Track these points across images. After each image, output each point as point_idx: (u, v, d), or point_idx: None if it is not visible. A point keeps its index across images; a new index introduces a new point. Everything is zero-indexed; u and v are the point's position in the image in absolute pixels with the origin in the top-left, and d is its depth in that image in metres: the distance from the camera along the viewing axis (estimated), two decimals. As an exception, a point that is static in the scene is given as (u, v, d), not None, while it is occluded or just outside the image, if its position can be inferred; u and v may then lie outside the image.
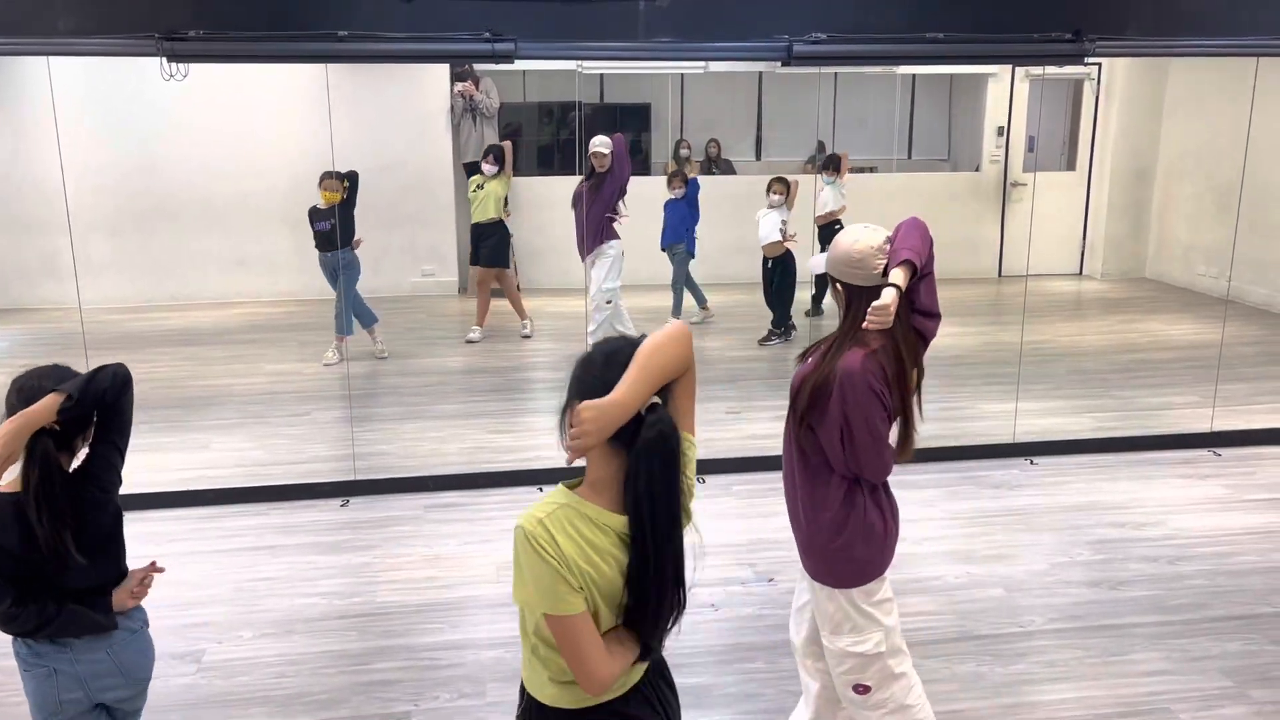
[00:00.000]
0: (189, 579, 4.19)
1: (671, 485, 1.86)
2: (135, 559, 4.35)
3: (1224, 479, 5.20)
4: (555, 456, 5.30)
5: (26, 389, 2.37)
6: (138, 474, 5.08)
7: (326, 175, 6.98)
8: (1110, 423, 5.96)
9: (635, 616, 1.87)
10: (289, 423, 6.02)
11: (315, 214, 7.14)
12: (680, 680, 3.42)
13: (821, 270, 2.67)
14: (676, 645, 3.65)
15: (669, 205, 8.14)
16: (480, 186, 8.02)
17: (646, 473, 1.81)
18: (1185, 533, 4.58)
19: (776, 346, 7.68)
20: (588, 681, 1.83)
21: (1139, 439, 5.64)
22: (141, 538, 4.57)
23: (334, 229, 7.04)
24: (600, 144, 7.11)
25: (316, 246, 7.18)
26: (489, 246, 8.00)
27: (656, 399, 1.86)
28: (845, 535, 2.57)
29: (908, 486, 5.07)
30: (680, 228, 8.05)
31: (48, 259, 8.62)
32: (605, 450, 1.85)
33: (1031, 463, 5.37)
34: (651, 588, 1.86)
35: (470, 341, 7.82)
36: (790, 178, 8.04)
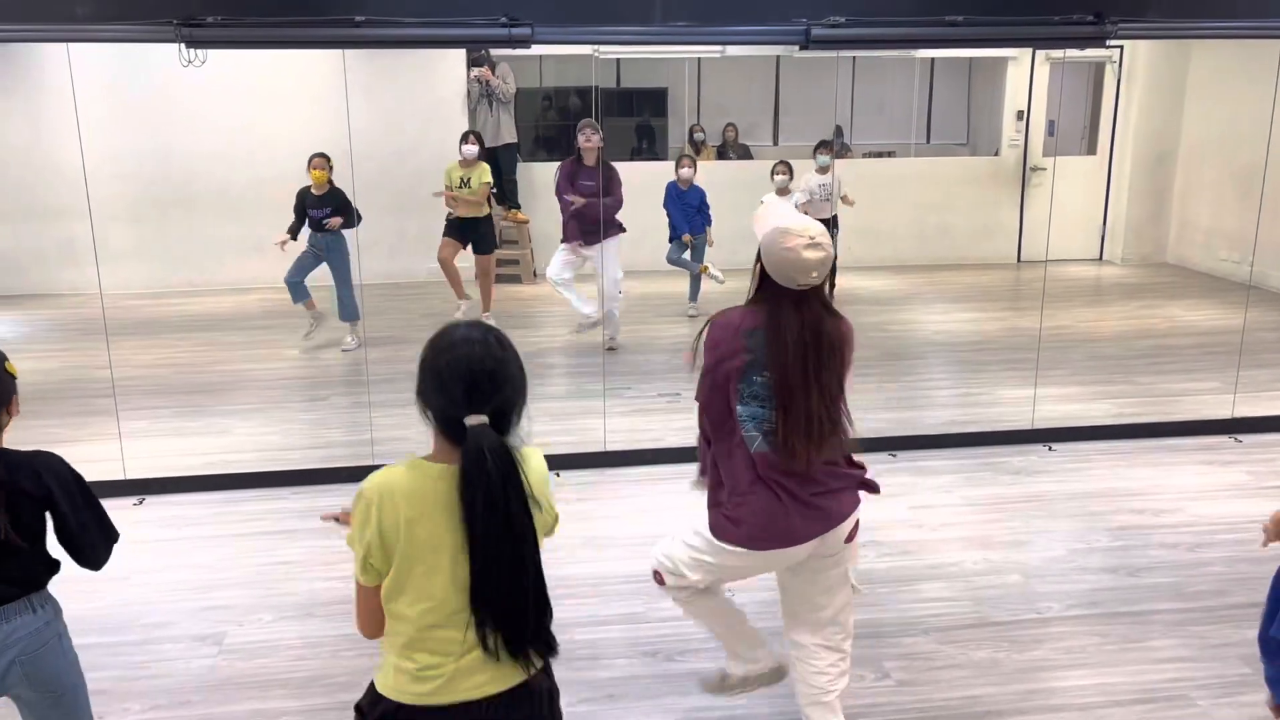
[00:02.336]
0: (209, 563, 4.23)
1: (494, 502, 1.87)
2: (155, 542, 4.41)
3: (1245, 465, 5.16)
4: (564, 440, 5.32)
5: None
6: (159, 458, 5.15)
7: (317, 155, 7.01)
8: (1130, 409, 5.92)
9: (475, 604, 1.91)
10: (307, 408, 6.06)
11: (311, 199, 7.14)
12: (697, 665, 3.44)
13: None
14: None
15: (678, 195, 8.01)
16: (466, 182, 7.58)
17: (473, 483, 1.87)
18: (1205, 519, 4.55)
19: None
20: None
21: (1159, 425, 5.60)
22: (162, 522, 4.62)
23: (328, 215, 7.07)
24: (592, 126, 7.05)
25: (310, 226, 7.17)
26: (481, 235, 7.78)
27: (484, 419, 1.90)
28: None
29: (925, 473, 5.06)
30: (699, 222, 8.01)
31: (68, 245, 8.68)
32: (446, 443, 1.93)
33: (1050, 449, 5.34)
34: (482, 588, 1.90)
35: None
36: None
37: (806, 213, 7.89)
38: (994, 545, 4.33)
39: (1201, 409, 5.85)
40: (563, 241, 7.23)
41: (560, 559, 4.24)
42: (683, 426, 5.64)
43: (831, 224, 8.20)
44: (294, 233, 7.24)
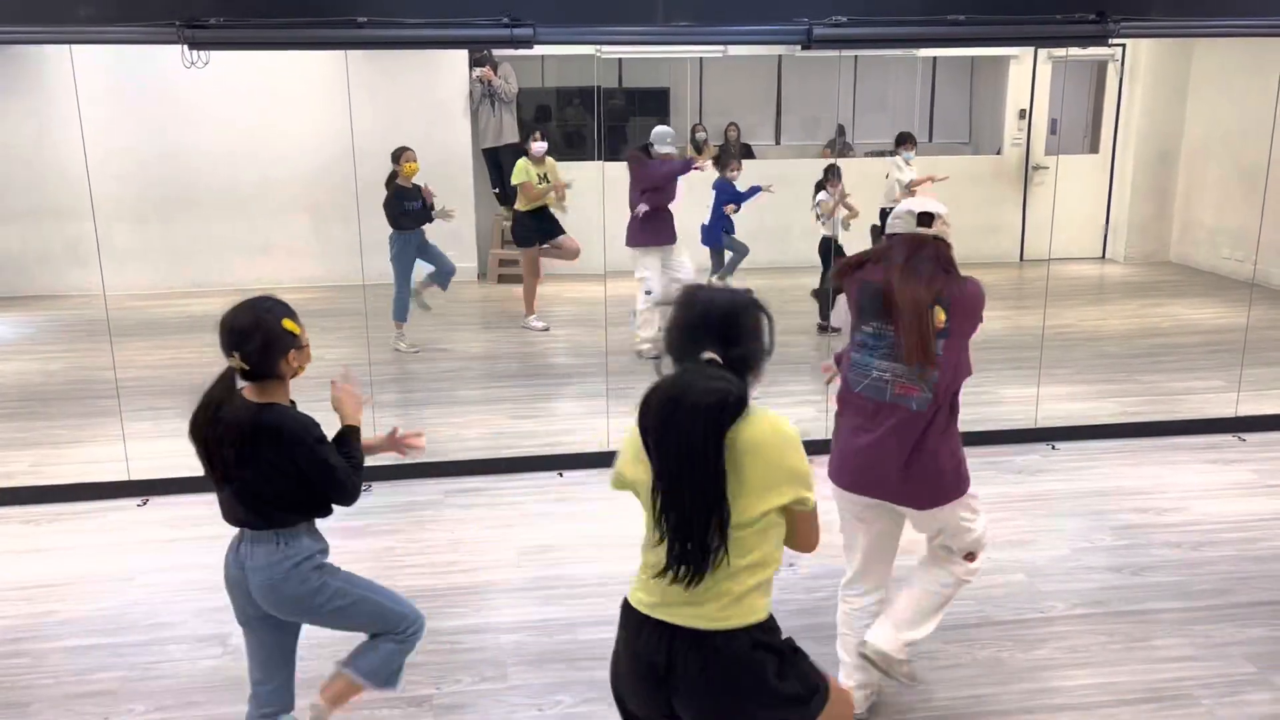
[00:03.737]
0: (214, 563, 4.20)
1: (683, 437, 1.96)
2: (159, 543, 4.41)
3: (1249, 464, 5.16)
4: (574, 442, 5.32)
5: (262, 324, 2.52)
6: (163, 459, 5.15)
7: (405, 148, 7.04)
8: (1133, 408, 5.91)
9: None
10: (311, 409, 6.04)
11: (404, 192, 7.10)
12: (701, 664, 3.44)
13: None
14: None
15: (727, 192, 7.96)
16: (544, 178, 7.75)
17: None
18: (1209, 518, 4.55)
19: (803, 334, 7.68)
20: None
21: (1162, 424, 5.60)
22: (166, 522, 4.62)
23: (423, 208, 7.11)
24: (669, 135, 7.09)
25: (404, 226, 7.12)
26: (553, 221, 7.87)
27: (716, 356, 2.01)
28: (957, 450, 2.96)
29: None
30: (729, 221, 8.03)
31: (72, 246, 8.69)
32: None
33: (1054, 448, 5.34)
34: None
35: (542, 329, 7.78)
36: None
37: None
38: (998, 544, 4.32)
39: (1205, 408, 5.84)
40: (652, 245, 7.10)
41: (564, 558, 4.24)
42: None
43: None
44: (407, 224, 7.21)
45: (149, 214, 9.06)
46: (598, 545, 4.34)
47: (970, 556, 3.06)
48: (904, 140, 8.36)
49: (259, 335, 2.49)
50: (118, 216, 8.74)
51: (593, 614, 3.79)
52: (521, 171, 7.74)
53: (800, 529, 2.12)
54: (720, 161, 8.06)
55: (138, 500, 4.81)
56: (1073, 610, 3.80)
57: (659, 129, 7.23)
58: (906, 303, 2.81)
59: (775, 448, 2.03)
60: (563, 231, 7.87)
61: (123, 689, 3.38)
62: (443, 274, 7.34)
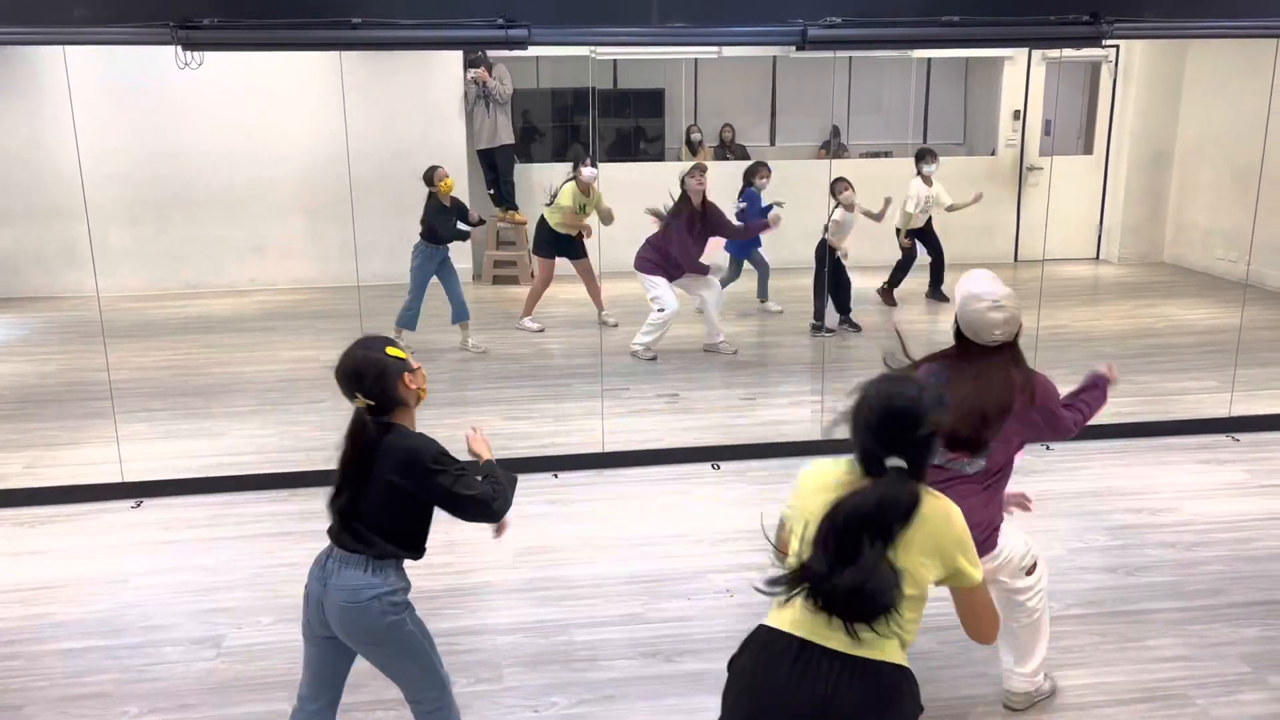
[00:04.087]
0: (209, 565, 4.23)
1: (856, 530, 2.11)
2: (153, 545, 4.40)
3: (1242, 464, 5.17)
4: (569, 443, 5.32)
5: (369, 359, 2.59)
6: (157, 461, 5.15)
7: (437, 167, 7.14)
8: (1128, 408, 5.92)
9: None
10: (306, 410, 6.05)
11: (445, 209, 7.20)
12: (696, 665, 3.45)
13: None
14: (694, 630, 3.67)
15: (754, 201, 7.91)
16: (583, 208, 7.59)
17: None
18: (1203, 518, 4.56)
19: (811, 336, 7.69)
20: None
21: (1157, 424, 5.61)
22: (160, 524, 4.61)
23: (460, 224, 7.24)
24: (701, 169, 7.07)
25: (439, 241, 7.20)
26: (578, 244, 7.77)
27: (903, 464, 2.15)
28: (996, 515, 3.08)
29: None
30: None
31: (66, 247, 8.67)
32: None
33: (1048, 448, 5.35)
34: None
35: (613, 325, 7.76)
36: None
37: (916, 222, 7.97)
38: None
39: (1199, 408, 5.86)
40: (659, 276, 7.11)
41: (559, 560, 4.24)
42: (681, 427, 5.65)
43: (929, 231, 8.28)
44: (450, 234, 7.30)
45: (143, 215, 9.05)
46: (593, 546, 4.34)
47: (1029, 571, 3.13)
48: (924, 156, 8.19)
49: (371, 370, 2.57)
50: (112, 218, 8.72)
51: (588, 615, 3.79)
52: (567, 196, 7.55)
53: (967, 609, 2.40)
54: (750, 170, 8.03)
55: (132, 502, 4.80)
56: (1068, 610, 3.81)
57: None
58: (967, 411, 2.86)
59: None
60: (585, 254, 7.75)
61: (117, 691, 3.37)
62: (456, 306, 7.36)
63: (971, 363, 2.98)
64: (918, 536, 2.15)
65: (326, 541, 2.68)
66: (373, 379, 2.56)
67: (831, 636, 2.12)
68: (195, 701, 3.33)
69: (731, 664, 2.25)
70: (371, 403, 2.57)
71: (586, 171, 7.49)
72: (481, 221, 7.39)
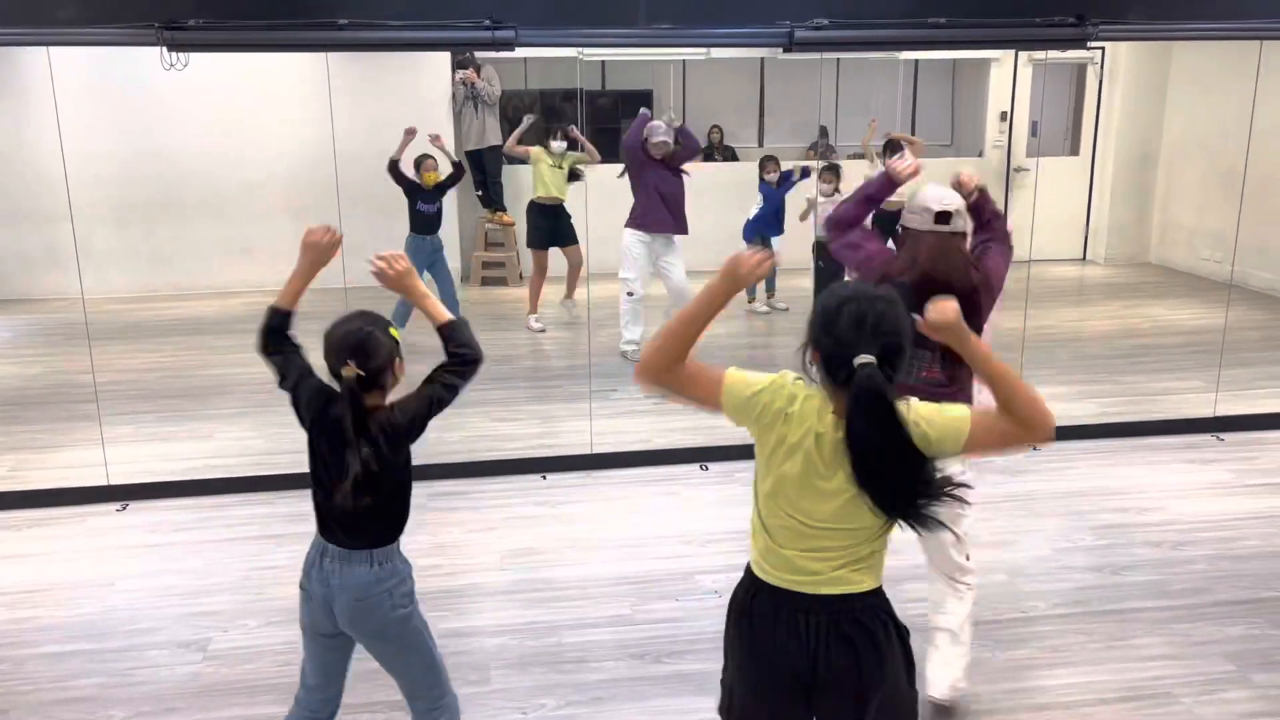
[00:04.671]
0: (195, 568, 4.21)
1: (874, 434, 1.97)
2: (139, 548, 4.38)
3: (1227, 464, 5.20)
4: (557, 444, 5.32)
5: (375, 334, 2.51)
6: (143, 464, 5.12)
7: (427, 156, 7.04)
8: (1113, 408, 5.95)
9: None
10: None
11: (422, 193, 7.07)
12: (685, 666, 3.45)
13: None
14: (683, 631, 3.67)
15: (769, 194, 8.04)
16: (558, 165, 7.74)
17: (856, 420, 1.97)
18: (1188, 518, 4.58)
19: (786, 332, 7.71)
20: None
21: (1142, 424, 5.64)
22: (146, 527, 4.59)
23: (440, 211, 7.08)
24: (665, 132, 6.85)
25: (415, 229, 7.11)
26: (567, 225, 7.81)
27: (872, 359, 1.96)
28: None
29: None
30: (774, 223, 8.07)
31: (50, 249, 8.61)
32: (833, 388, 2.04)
33: (1034, 448, 5.37)
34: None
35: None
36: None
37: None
38: (979, 544, 4.32)
39: (1184, 408, 5.89)
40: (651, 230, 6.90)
41: (547, 561, 4.24)
42: (670, 428, 5.65)
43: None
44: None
45: (128, 216, 9.00)
46: (581, 548, 4.34)
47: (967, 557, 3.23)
48: (890, 147, 8.25)
49: (379, 346, 2.50)
50: (97, 219, 8.67)
51: (576, 617, 3.79)
52: (540, 152, 7.77)
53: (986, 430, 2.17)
54: (760, 165, 8.15)
55: (117, 505, 4.77)
56: (1053, 610, 3.82)
57: (654, 123, 6.93)
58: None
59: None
60: (575, 240, 7.78)
61: (102, 695, 3.36)
62: (446, 304, 7.31)
63: (924, 258, 3.02)
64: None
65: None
66: (381, 355, 2.49)
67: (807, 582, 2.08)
68: (181, 706, 3.32)
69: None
70: (364, 374, 2.46)
71: (554, 145, 7.66)
72: (459, 170, 7.31)
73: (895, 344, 2.00)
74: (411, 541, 4.40)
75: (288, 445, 5.48)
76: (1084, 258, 10.50)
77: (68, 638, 3.70)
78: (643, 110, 7.05)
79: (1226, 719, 3.20)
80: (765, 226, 8.09)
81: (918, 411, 2.06)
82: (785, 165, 8.21)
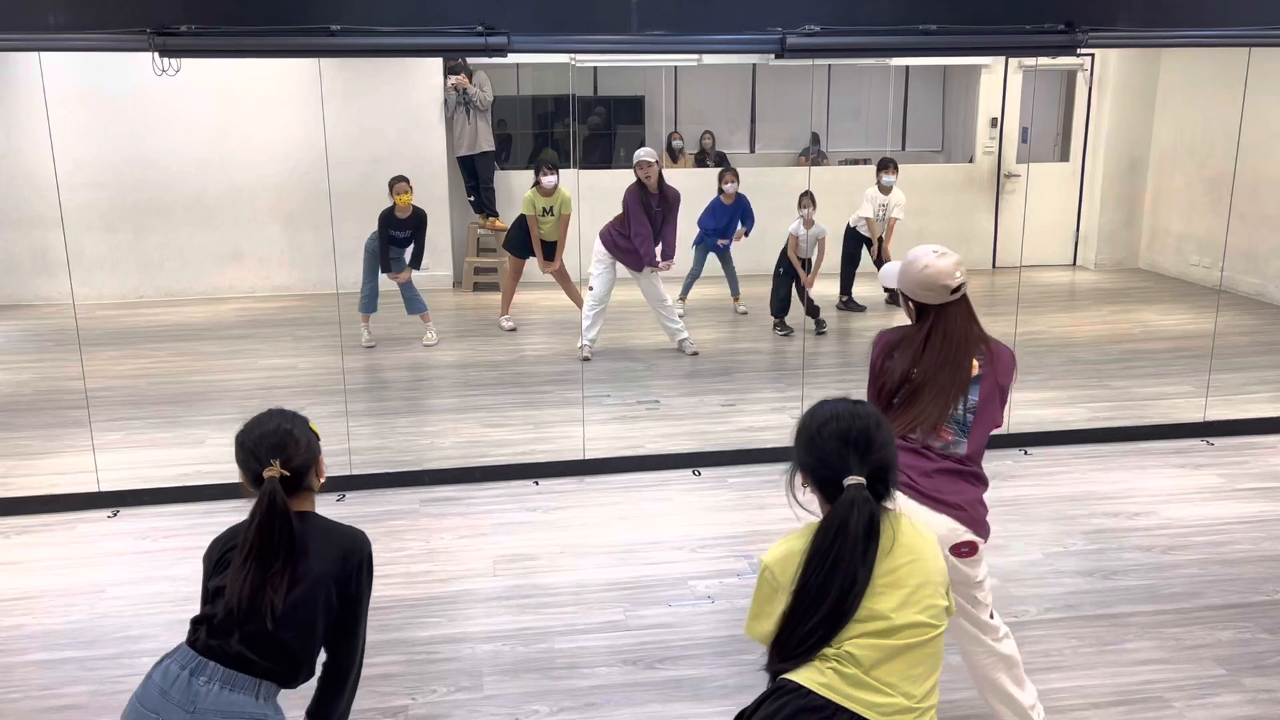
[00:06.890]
0: (186, 575, 4.19)
1: (842, 557, 1.99)
2: (130, 555, 4.37)
3: (1217, 468, 5.22)
4: (543, 449, 5.32)
5: (296, 430, 2.35)
6: (134, 470, 5.10)
7: (400, 179, 7.09)
8: (1104, 413, 5.98)
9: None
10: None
11: (395, 222, 7.16)
12: (677, 672, 3.45)
13: (892, 285, 2.97)
14: (675, 637, 3.67)
15: (718, 206, 8.14)
16: (549, 210, 7.68)
17: (831, 533, 2.01)
18: (1179, 522, 4.60)
19: (778, 339, 7.72)
20: None
21: (1132, 429, 5.66)
22: (137, 534, 4.57)
23: (411, 238, 7.20)
24: (650, 154, 7.05)
25: (392, 244, 7.22)
26: (552, 247, 7.87)
27: (861, 480, 2.02)
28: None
29: (902, 478, 5.08)
30: (730, 229, 8.16)
31: (41, 254, 8.61)
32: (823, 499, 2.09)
33: (1025, 453, 5.39)
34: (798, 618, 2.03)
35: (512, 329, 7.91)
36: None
37: (870, 229, 8.09)
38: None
39: (1174, 412, 5.91)
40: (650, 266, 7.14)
41: (539, 567, 4.23)
42: (662, 434, 5.65)
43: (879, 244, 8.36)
44: (386, 265, 7.25)
45: (119, 222, 8.99)
46: (573, 554, 4.34)
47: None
48: (884, 166, 8.33)
49: (301, 442, 2.30)
50: (87, 225, 8.67)
51: (568, 623, 3.79)
52: (528, 204, 7.69)
53: None
54: (721, 176, 8.18)
55: (108, 512, 4.76)
56: (1045, 614, 3.83)
57: (643, 149, 7.21)
58: (942, 388, 2.86)
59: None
60: (553, 257, 7.84)
61: (92, 703, 3.34)
62: (408, 301, 7.46)
63: (931, 321, 2.87)
64: (915, 569, 2.05)
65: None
66: (303, 452, 2.29)
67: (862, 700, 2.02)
68: (172, 712, 3.30)
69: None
70: (287, 474, 2.26)
71: (545, 180, 7.61)
72: (415, 266, 7.39)
73: (884, 460, 2.05)
74: (404, 547, 4.43)
75: (279, 451, 5.48)
76: (1074, 263, 10.55)
77: (57, 645, 3.68)
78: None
79: (1217, 723, 3.22)
80: (713, 238, 8.18)
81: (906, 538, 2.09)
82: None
